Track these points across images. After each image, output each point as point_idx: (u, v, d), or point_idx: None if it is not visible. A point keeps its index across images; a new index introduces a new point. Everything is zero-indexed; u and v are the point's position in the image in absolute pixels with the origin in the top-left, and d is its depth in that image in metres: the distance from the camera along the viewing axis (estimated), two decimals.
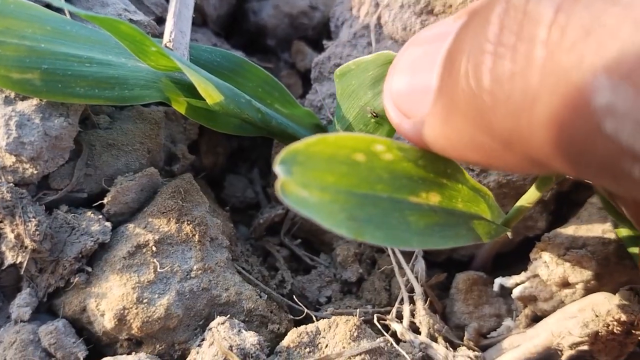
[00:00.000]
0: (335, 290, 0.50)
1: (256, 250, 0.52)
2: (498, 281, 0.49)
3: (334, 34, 0.57)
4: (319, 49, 0.57)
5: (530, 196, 0.39)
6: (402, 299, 0.46)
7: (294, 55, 0.60)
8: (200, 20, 0.56)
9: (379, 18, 0.52)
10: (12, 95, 0.39)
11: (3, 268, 0.41)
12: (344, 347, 0.41)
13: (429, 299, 0.46)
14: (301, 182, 0.26)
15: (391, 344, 0.41)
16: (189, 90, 0.42)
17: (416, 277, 0.46)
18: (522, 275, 0.47)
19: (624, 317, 0.40)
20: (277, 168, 0.26)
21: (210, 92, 0.39)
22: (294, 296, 0.48)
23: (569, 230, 0.46)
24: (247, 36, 0.64)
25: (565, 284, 0.44)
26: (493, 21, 0.22)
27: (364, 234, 0.27)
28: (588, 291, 0.44)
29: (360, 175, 0.29)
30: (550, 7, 0.19)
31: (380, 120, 0.43)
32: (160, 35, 0.45)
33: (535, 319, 0.46)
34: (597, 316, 0.40)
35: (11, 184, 0.40)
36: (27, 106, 0.39)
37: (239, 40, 0.64)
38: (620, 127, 0.18)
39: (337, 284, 0.51)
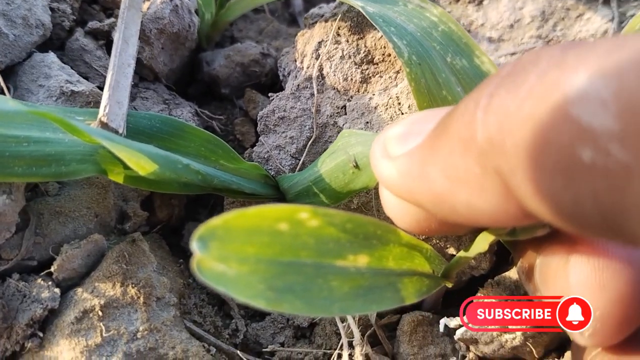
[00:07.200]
0: (288, 336, 0.52)
1: (212, 299, 0.54)
2: (443, 321, 0.50)
3: (283, 83, 0.59)
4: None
5: (473, 249, 0.36)
6: (341, 345, 0.47)
7: (246, 104, 0.62)
8: (152, 76, 0.58)
9: (320, 69, 0.54)
10: None
11: None
12: None
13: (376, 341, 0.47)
14: (218, 256, 0.25)
15: None
16: None
17: (359, 321, 0.48)
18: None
19: None
20: (193, 245, 0.24)
21: (142, 164, 0.41)
22: (247, 344, 0.49)
23: (513, 275, 0.47)
24: (203, 85, 0.65)
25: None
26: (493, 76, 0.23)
27: (282, 304, 0.26)
28: (527, 338, 0.44)
29: (283, 244, 0.28)
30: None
31: (357, 172, 0.44)
32: None
33: None
34: None
35: None
36: None
37: (196, 89, 0.66)
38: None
39: (290, 330, 0.52)
